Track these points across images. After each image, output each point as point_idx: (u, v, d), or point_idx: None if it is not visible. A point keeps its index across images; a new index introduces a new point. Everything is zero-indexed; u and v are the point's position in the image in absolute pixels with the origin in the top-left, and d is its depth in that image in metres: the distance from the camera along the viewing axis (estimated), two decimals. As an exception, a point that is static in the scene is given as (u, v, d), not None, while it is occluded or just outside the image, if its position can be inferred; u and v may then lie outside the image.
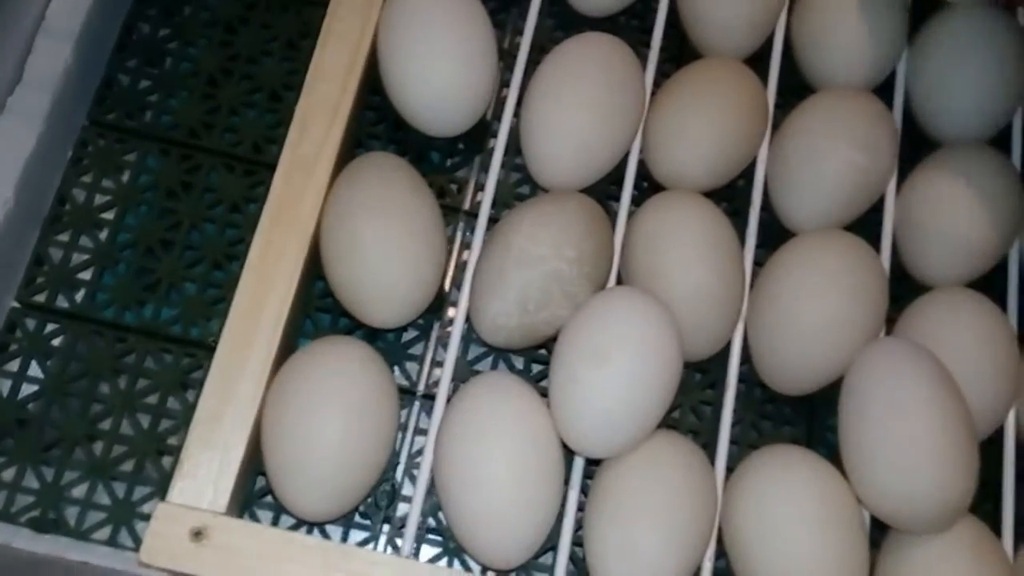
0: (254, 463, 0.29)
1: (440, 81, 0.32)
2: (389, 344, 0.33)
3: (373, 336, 0.32)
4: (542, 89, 0.34)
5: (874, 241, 0.34)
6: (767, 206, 0.35)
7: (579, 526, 0.30)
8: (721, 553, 0.30)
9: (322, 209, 0.31)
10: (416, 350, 0.33)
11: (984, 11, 0.36)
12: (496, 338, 0.31)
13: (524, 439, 0.29)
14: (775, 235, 0.35)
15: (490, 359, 0.33)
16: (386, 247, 0.30)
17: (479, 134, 0.36)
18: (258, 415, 0.28)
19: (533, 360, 0.33)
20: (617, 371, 0.28)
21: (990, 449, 0.32)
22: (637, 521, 0.28)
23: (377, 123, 0.36)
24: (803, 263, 0.32)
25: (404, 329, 0.33)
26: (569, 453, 0.30)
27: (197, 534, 0.26)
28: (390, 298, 0.30)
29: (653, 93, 0.35)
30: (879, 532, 0.31)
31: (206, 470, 0.27)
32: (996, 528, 0.31)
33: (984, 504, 0.32)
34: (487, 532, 0.28)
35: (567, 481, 0.30)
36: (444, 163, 0.36)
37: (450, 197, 0.35)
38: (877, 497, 0.29)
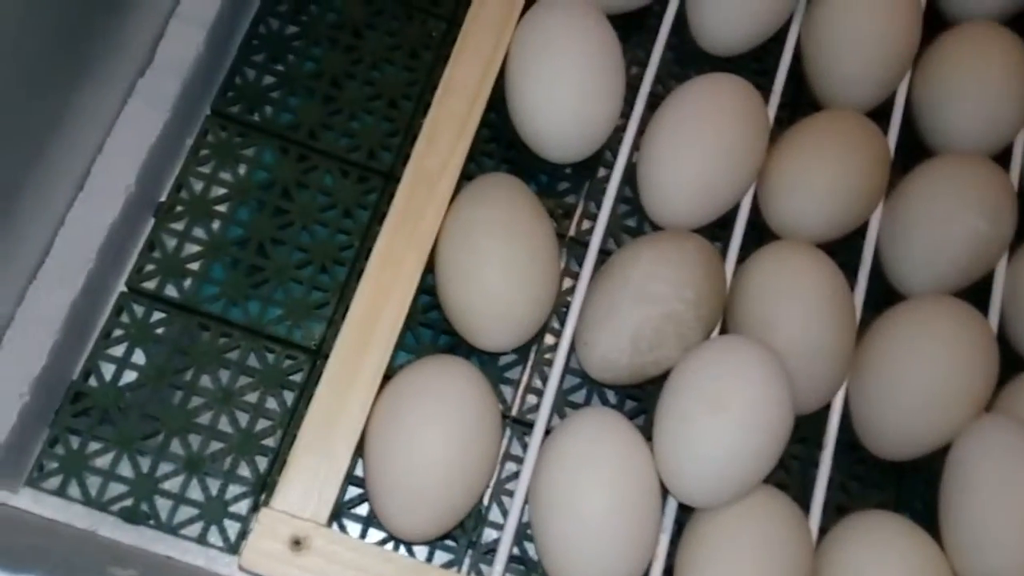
0: (351, 473, 0.29)
1: (565, 109, 0.32)
2: (485, 365, 0.32)
3: (470, 354, 0.32)
4: (665, 126, 0.33)
5: (983, 310, 0.34)
6: (878, 266, 0.35)
7: (668, 571, 0.29)
8: (812, 616, 0.29)
9: (442, 224, 0.31)
10: (512, 374, 0.33)
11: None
12: (604, 375, 0.31)
13: (625, 477, 0.28)
14: (885, 296, 0.34)
15: (585, 390, 0.33)
16: (506, 269, 0.29)
17: (591, 162, 0.35)
18: (365, 424, 0.28)
19: (628, 396, 0.33)
20: (733, 420, 0.27)
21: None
22: (732, 571, 0.28)
23: (490, 141, 0.36)
24: (914, 327, 0.32)
25: (503, 352, 0.33)
26: (663, 496, 0.30)
27: (297, 543, 0.26)
28: (504, 322, 0.30)
29: (772, 138, 0.35)
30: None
31: (311, 478, 0.27)
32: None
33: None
34: (580, 566, 0.28)
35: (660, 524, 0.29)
36: (552, 187, 0.36)
37: (555, 222, 0.35)
38: (972, 563, 0.28)
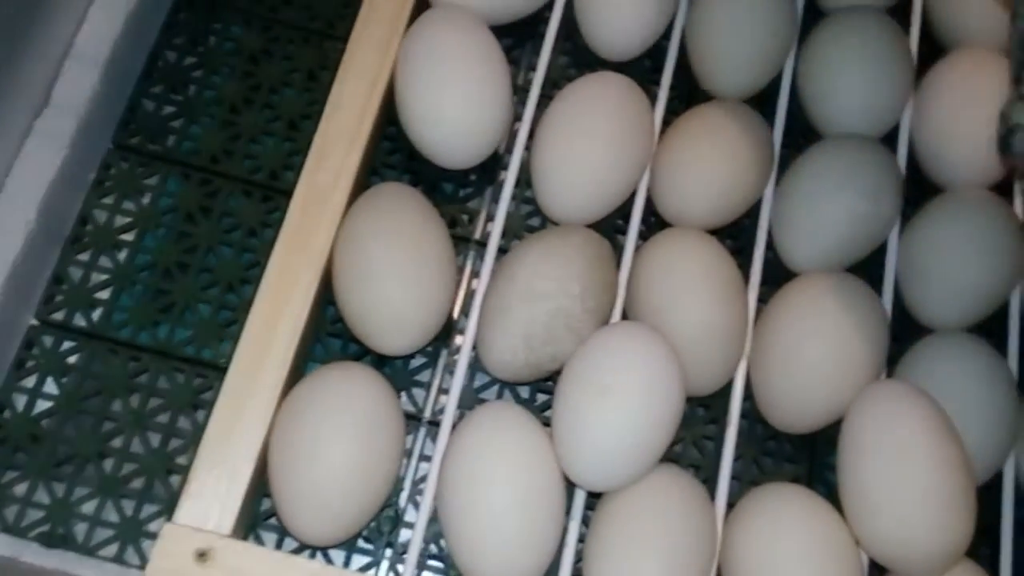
0: (260, 485, 0.30)
1: (454, 115, 0.33)
2: (396, 370, 0.33)
3: (381, 362, 0.33)
4: (553, 125, 0.35)
5: (877, 284, 0.35)
6: (771, 246, 0.36)
7: (579, 558, 0.30)
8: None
9: (336, 236, 0.32)
10: (423, 377, 0.34)
11: (984, 58, 0.37)
12: (503, 373, 0.32)
13: (527, 469, 0.29)
14: (778, 275, 0.35)
15: (496, 388, 0.34)
16: (397, 275, 0.30)
17: (491, 167, 0.36)
18: (266, 438, 0.29)
19: (539, 390, 0.34)
20: (619, 404, 0.28)
21: (988, 494, 0.32)
22: (637, 555, 0.28)
23: (392, 153, 0.37)
24: (806, 303, 0.33)
25: (412, 356, 0.34)
26: (571, 485, 0.30)
27: (202, 555, 0.27)
28: (399, 325, 0.31)
29: (663, 132, 0.36)
30: (876, 574, 0.31)
31: (213, 491, 0.28)
32: (994, 574, 0.31)
33: (981, 549, 0.32)
34: (488, 560, 0.29)
35: (568, 512, 0.30)
36: (456, 194, 0.37)
37: (461, 227, 0.36)
38: (875, 539, 0.29)
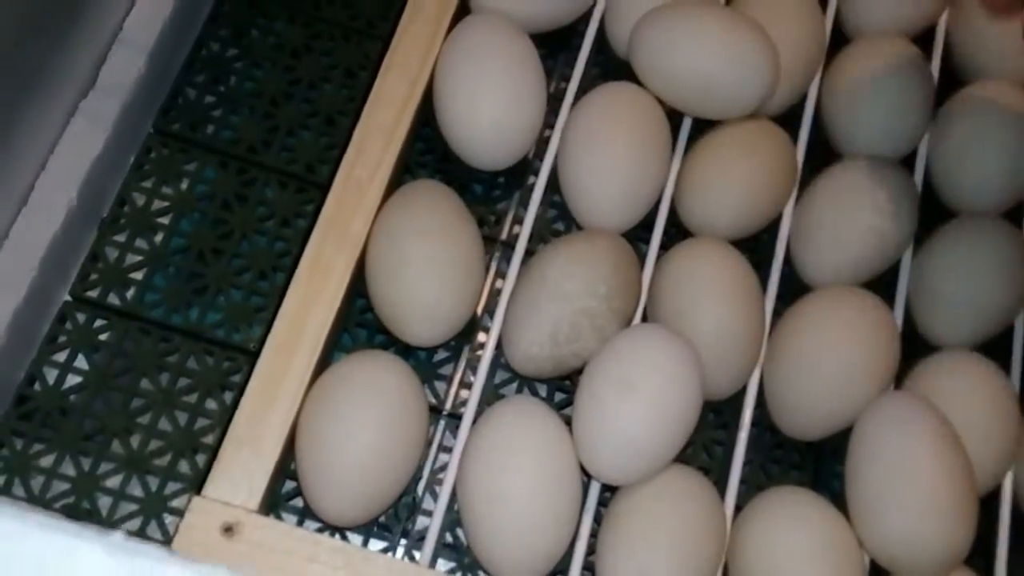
0: (285, 466, 0.30)
1: (490, 118, 0.34)
2: (420, 363, 0.34)
3: (406, 354, 0.34)
4: (580, 134, 0.36)
5: (889, 301, 0.36)
6: (788, 260, 0.37)
7: (590, 550, 0.31)
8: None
9: (371, 229, 0.32)
10: (445, 370, 0.34)
11: (1003, 89, 0.38)
12: (527, 368, 0.33)
13: (545, 461, 0.30)
14: (795, 288, 0.36)
15: (515, 384, 0.35)
16: (429, 267, 0.31)
17: (520, 170, 0.37)
18: (295, 419, 0.30)
19: (557, 388, 0.35)
20: (641, 400, 0.29)
21: (985, 507, 0.33)
22: (648, 549, 0.29)
23: (426, 153, 0.37)
24: (820, 315, 0.34)
25: (435, 350, 0.35)
26: (585, 479, 0.31)
27: (228, 529, 0.27)
28: (428, 316, 0.31)
29: (688, 145, 0.37)
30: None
31: (241, 468, 0.28)
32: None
33: (977, 560, 0.33)
34: (503, 548, 0.29)
35: (583, 506, 0.31)
36: (485, 195, 0.37)
37: (488, 227, 0.37)
38: (878, 541, 0.30)
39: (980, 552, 0.33)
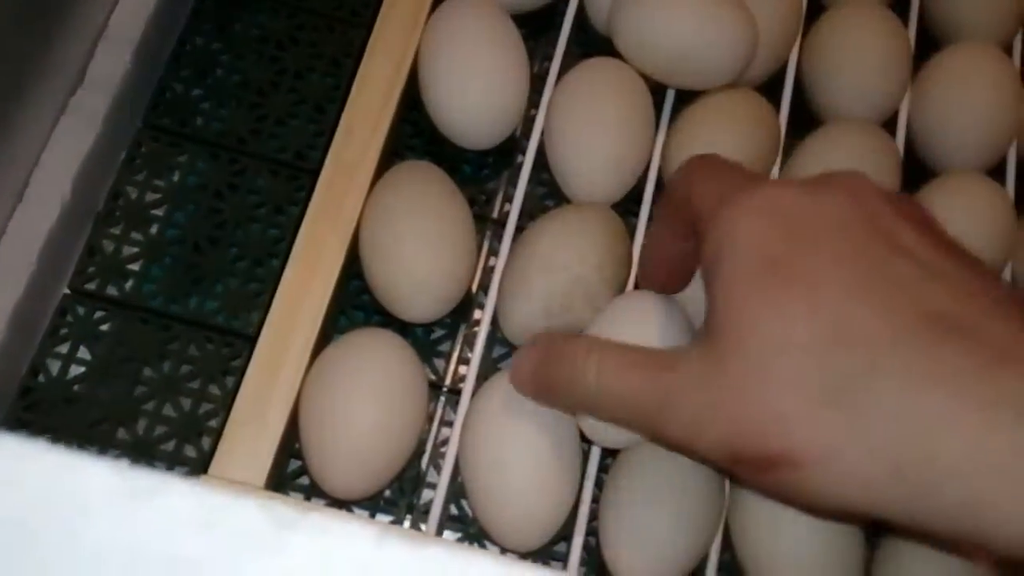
0: (289, 446, 0.31)
1: (475, 96, 0.35)
2: (418, 341, 0.35)
3: (403, 333, 0.34)
4: (565, 110, 0.36)
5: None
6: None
7: (593, 516, 0.31)
8: (727, 546, 0.31)
9: (362, 211, 0.33)
10: (443, 348, 0.35)
11: (980, 50, 0.39)
12: (522, 340, 0.33)
13: (544, 430, 0.30)
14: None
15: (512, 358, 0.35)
16: (422, 244, 0.32)
17: (508, 149, 0.38)
18: (297, 397, 0.30)
19: (553, 362, 0.35)
20: None
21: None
22: (647, 507, 0.30)
23: (414, 136, 0.38)
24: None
25: (432, 328, 0.35)
26: (586, 446, 0.32)
27: (236, 507, 0.28)
28: (423, 292, 0.32)
29: (672, 117, 0.38)
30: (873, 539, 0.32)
31: (246, 449, 0.29)
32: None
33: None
34: (507, 517, 0.30)
35: (584, 473, 0.31)
36: (474, 175, 0.38)
37: (479, 206, 0.37)
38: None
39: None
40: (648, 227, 0.36)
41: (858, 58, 0.39)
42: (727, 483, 0.32)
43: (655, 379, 0.25)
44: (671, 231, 0.30)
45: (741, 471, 0.25)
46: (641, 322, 0.30)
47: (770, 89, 0.39)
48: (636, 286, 0.35)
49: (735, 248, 0.24)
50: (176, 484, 0.12)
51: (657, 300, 0.31)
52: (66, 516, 0.11)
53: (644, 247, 0.34)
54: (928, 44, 0.41)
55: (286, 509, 0.12)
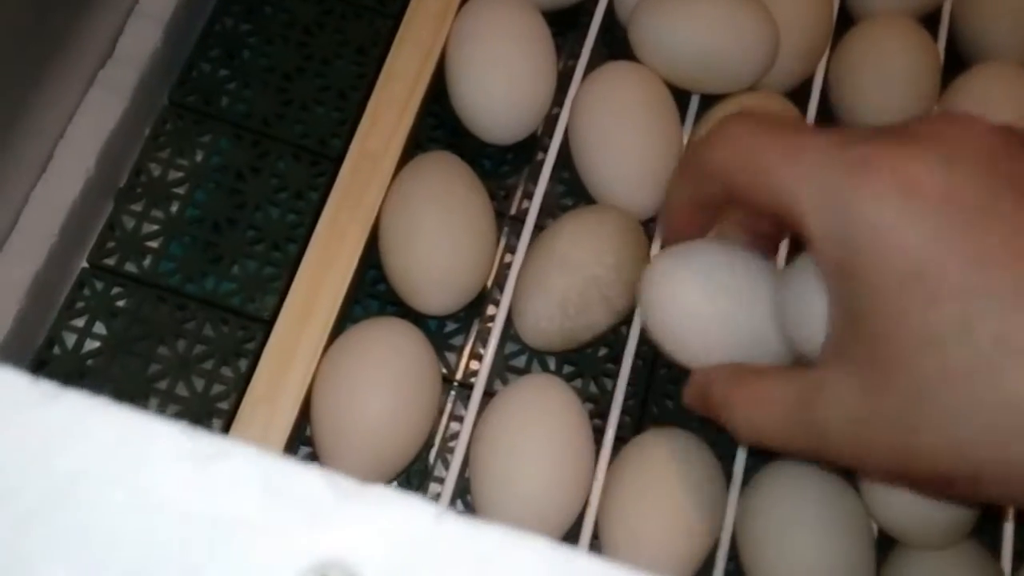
0: (300, 432, 0.31)
1: (500, 91, 0.35)
2: (431, 333, 0.35)
3: (417, 325, 0.34)
4: (589, 110, 0.36)
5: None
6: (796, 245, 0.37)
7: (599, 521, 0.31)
8: (734, 555, 0.31)
9: (384, 200, 0.33)
10: (456, 341, 0.35)
11: (1007, 70, 0.39)
12: (537, 340, 0.33)
13: (559, 432, 0.30)
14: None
15: (525, 356, 0.35)
16: (441, 235, 0.32)
17: (529, 146, 0.38)
18: (310, 384, 0.30)
19: (566, 361, 0.35)
20: None
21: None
22: (649, 511, 0.30)
23: (436, 128, 0.38)
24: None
25: (446, 321, 0.35)
26: (596, 449, 0.32)
27: (245, 489, 0.28)
28: (440, 284, 0.32)
29: (696, 120, 0.38)
30: (885, 548, 0.32)
31: (257, 433, 0.29)
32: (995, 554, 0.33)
33: (984, 532, 0.33)
34: (514, 515, 0.30)
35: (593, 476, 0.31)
36: (494, 170, 0.38)
37: (498, 202, 0.37)
38: (887, 511, 0.31)
39: (988, 522, 0.33)
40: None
41: (886, 70, 0.38)
42: (736, 492, 0.32)
43: (801, 409, 0.24)
44: (696, 204, 0.28)
45: (911, 486, 0.24)
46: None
47: (798, 98, 0.39)
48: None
49: (881, 250, 0.21)
50: (241, 449, 0.12)
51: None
52: (130, 472, 0.11)
53: (663, 209, 0.32)
54: (957, 61, 0.41)
55: (348, 481, 0.12)
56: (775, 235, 0.31)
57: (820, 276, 0.24)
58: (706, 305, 0.28)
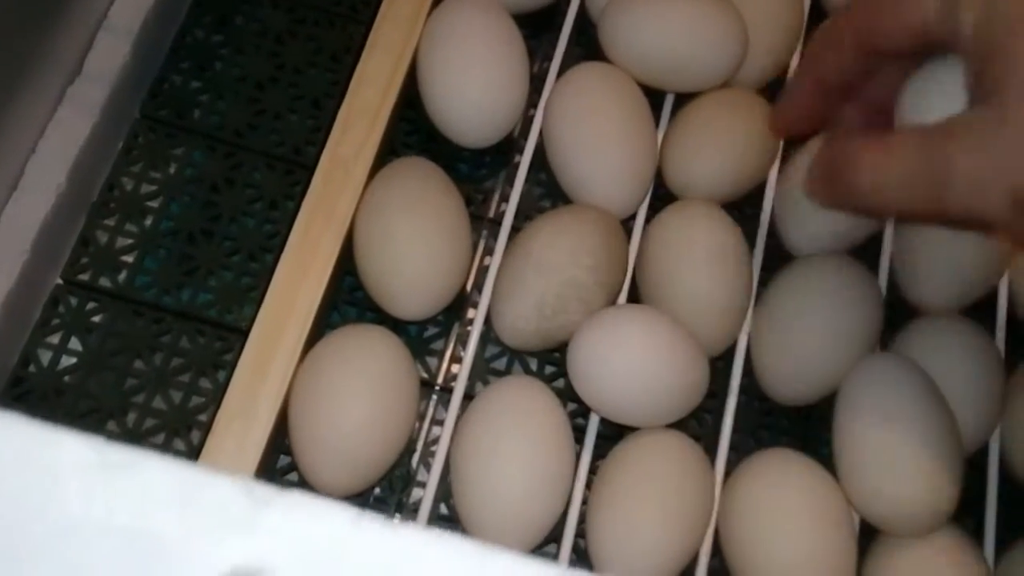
0: (279, 441, 0.31)
1: (474, 94, 0.35)
2: (411, 339, 0.34)
3: (396, 331, 0.34)
4: (563, 116, 0.36)
5: (873, 268, 0.36)
6: (772, 234, 0.37)
7: (583, 518, 0.31)
8: (717, 551, 0.31)
9: (358, 207, 0.33)
10: (436, 346, 0.35)
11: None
12: (515, 341, 0.33)
13: (538, 433, 0.30)
14: (779, 260, 0.37)
15: (505, 358, 0.35)
16: (416, 240, 0.32)
17: (505, 149, 0.38)
18: (287, 393, 0.30)
19: (547, 361, 0.35)
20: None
21: (974, 467, 0.34)
22: (637, 508, 0.30)
23: (411, 133, 0.38)
24: (805, 282, 0.34)
25: (426, 326, 0.35)
26: (577, 448, 0.32)
27: (224, 501, 0.28)
28: (416, 289, 0.32)
29: (671, 118, 0.38)
30: (867, 538, 0.32)
31: (236, 443, 0.29)
32: (978, 543, 0.33)
33: (966, 520, 0.33)
34: (496, 516, 0.30)
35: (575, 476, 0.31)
36: (471, 174, 0.38)
37: (475, 205, 0.37)
38: (867, 500, 0.31)
39: (970, 512, 0.33)
40: (644, 230, 0.36)
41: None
42: (718, 487, 0.32)
43: (933, 149, 0.24)
44: (822, 86, 0.30)
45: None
46: (630, 337, 0.31)
47: (771, 93, 0.39)
48: (631, 290, 0.35)
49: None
50: (151, 460, 0.12)
51: (638, 314, 0.31)
52: (38, 486, 0.11)
53: (781, 101, 0.34)
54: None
55: (262, 488, 0.12)
56: (888, 106, 0.31)
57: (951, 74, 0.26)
58: (629, 367, 0.30)
